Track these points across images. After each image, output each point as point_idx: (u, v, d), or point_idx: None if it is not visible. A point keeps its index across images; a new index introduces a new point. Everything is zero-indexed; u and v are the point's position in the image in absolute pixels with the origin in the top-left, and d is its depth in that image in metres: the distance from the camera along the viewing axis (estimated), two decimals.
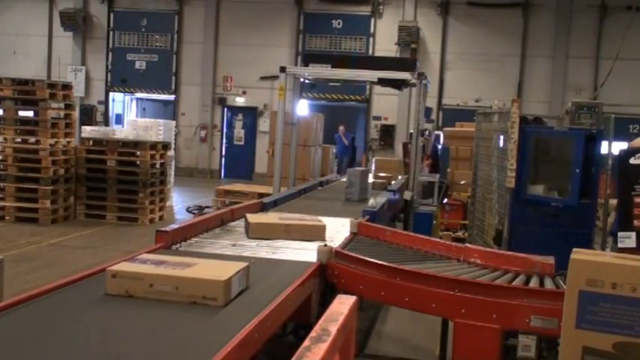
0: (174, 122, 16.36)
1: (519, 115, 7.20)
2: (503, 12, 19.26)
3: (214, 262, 3.37)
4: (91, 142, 11.74)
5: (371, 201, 6.43)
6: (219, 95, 21.06)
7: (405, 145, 13.80)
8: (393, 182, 9.10)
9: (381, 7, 19.99)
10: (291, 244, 4.72)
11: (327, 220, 5.90)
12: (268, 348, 3.13)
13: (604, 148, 7.64)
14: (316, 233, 4.66)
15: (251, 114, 21.06)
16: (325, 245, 4.12)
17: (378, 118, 20.25)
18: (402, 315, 6.24)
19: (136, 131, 13.10)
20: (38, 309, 2.75)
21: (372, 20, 20.15)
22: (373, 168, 12.73)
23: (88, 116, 21.01)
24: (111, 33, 21.56)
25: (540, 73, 19.21)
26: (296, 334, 3.99)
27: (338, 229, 5.38)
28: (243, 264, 3.23)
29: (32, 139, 10.89)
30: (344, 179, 8.73)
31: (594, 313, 2.89)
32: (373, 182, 8.65)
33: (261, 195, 9.68)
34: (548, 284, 3.99)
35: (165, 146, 12.23)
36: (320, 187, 8.96)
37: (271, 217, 5.07)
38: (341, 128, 18.93)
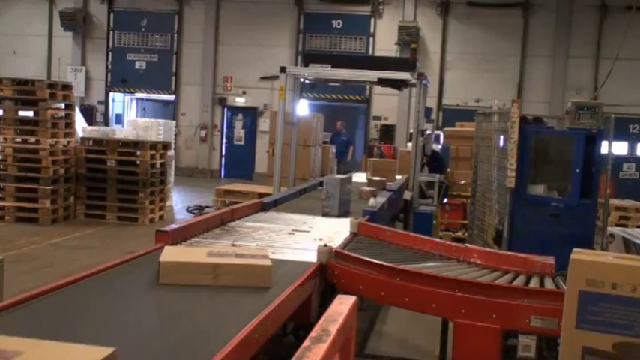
0: (174, 122, 16.35)
1: (519, 115, 7.21)
2: (503, 12, 19.26)
3: (56, 348, 1.86)
4: (91, 142, 11.74)
5: (371, 201, 6.43)
6: (219, 95, 21.06)
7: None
8: (389, 184, 8.94)
9: (381, 7, 19.99)
10: (292, 244, 4.72)
11: (327, 220, 5.93)
12: (268, 348, 3.14)
13: (604, 148, 7.65)
14: (257, 277, 3.34)
15: (251, 114, 21.06)
16: (325, 245, 4.12)
17: (378, 118, 20.24)
18: (402, 315, 6.24)
19: (136, 131, 13.09)
20: None
21: (372, 20, 20.15)
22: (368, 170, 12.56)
23: (88, 116, 21.00)
24: (111, 33, 21.56)
25: (540, 73, 19.21)
26: (296, 334, 3.99)
27: (338, 229, 5.38)
28: (105, 352, 1.76)
29: (32, 139, 10.88)
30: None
31: (594, 313, 2.89)
32: (360, 191, 7.66)
33: (261, 195, 9.67)
34: (548, 284, 3.99)
35: (165, 146, 12.22)
36: (320, 187, 8.95)
37: (196, 253, 3.62)
38: (339, 124, 17.86)
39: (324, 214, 6.16)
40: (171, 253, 3.52)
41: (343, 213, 6.21)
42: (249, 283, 3.30)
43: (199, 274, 3.28)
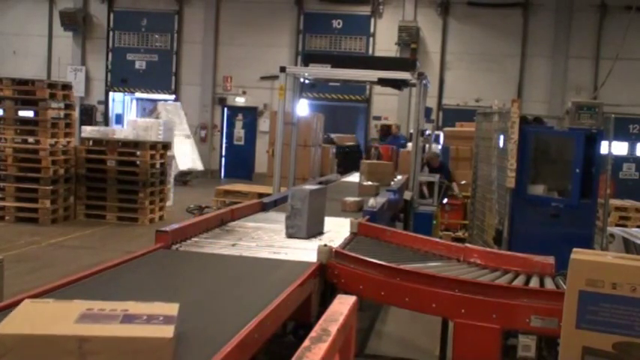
0: (174, 122, 16.34)
1: (519, 115, 7.21)
2: (503, 12, 19.26)
3: None
4: (91, 142, 11.74)
5: (371, 201, 6.42)
6: (219, 95, 21.06)
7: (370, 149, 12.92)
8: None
9: (381, 7, 19.98)
10: (292, 243, 4.72)
11: (327, 220, 5.91)
12: (268, 348, 3.14)
13: (604, 148, 7.65)
14: (149, 356, 2.06)
15: (251, 114, 21.06)
16: (325, 245, 4.12)
17: (378, 118, 20.23)
18: (402, 315, 6.23)
19: (135, 131, 13.09)
20: None
21: (372, 20, 20.14)
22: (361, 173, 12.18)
23: (88, 116, 21.01)
24: (111, 33, 21.56)
25: (540, 73, 19.21)
26: (296, 334, 3.99)
27: (338, 229, 5.38)
28: None
29: (32, 139, 10.88)
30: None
31: (594, 313, 2.89)
32: (343, 202, 6.61)
33: (261, 195, 9.67)
34: (548, 284, 3.99)
35: (165, 146, 12.22)
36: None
37: (62, 316, 2.17)
38: (394, 126, 16.51)
39: (289, 236, 4.91)
40: (21, 317, 2.17)
41: (314, 234, 5.03)
42: None
43: (56, 354, 2.00)
